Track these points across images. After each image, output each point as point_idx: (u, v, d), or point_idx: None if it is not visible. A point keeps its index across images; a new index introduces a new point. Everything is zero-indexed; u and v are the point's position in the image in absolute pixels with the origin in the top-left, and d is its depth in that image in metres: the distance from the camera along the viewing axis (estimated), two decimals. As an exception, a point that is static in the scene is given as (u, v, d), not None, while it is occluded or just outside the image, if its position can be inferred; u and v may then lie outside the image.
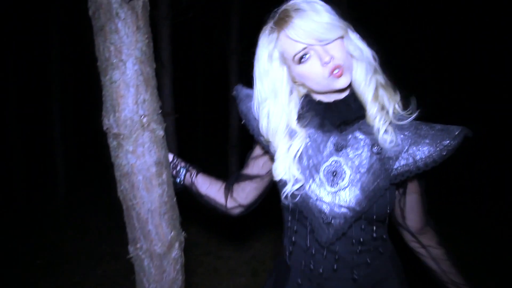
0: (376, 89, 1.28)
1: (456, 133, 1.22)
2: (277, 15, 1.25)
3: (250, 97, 1.46)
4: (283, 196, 1.37)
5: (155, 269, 1.46)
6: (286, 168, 1.32)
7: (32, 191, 7.69)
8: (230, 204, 1.60)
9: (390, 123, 1.27)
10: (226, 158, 5.81)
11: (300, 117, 1.37)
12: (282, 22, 1.22)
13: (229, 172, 5.79)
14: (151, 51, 1.35)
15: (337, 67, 1.21)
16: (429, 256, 1.46)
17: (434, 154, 1.22)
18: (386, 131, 1.26)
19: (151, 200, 1.39)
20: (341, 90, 1.30)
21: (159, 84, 3.98)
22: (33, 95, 8.60)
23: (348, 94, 1.33)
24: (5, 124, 7.51)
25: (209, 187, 1.59)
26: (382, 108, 1.29)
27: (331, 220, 1.26)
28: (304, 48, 1.21)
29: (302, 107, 1.38)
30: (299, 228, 1.39)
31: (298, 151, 1.32)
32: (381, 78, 1.30)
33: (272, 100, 1.32)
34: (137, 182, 1.36)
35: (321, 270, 1.33)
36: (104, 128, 1.35)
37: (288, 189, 1.32)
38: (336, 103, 1.33)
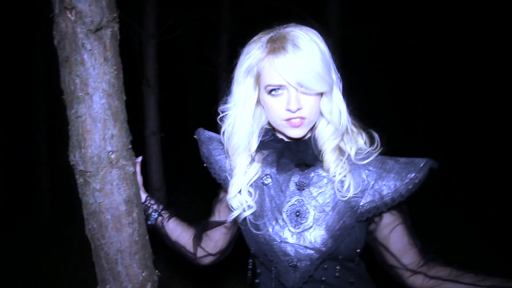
0: (338, 144, 1.24)
1: (421, 165, 1.16)
2: (275, 36, 1.16)
3: (211, 140, 1.44)
4: (239, 221, 1.33)
5: (125, 313, 1.37)
6: (239, 188, 1.28)
7: (17, 211, 7.53)
8: (200, 253, 1.53)
9: (349, 170, 1.21)
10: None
11: (259, 149, 1.32)
12: (275, 48, 1.13)
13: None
14: (121, 83, 1.28)
15: (299, 117, 1.16)
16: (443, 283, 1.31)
17: (400, 189, 1.17)
18: (343, 178, 1.20)
19: (120, 240, 1.31)
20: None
21: (144, 103, 3.92)
22: (19, 114, 8.48)
23: (308, 137, 1.27)
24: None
25: (180, 235, 1.52)
26: (342, 154, 1.23)
27: (297, 263, 1.20)
28: (280, 85, 1.15)
29: (263, 136, 1.33)
30: (263, 271, 1.33)
31: (251, 179, 1.28)
32: (348, 129, 1.24)
33: (240, 110, 1.26)
34: (105, 221, 1.28)
35: None
36: (71, 163, 1.28)
37: (243, 214, 1.28)
38: (295, 143, 1.28)
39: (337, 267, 1.23)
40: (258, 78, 1.21)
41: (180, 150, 9.96)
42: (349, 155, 1.24)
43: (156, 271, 1.44)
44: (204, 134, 1.46)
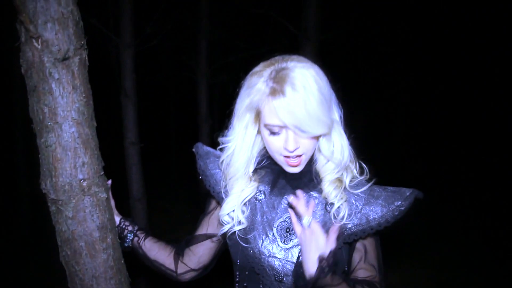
0: (338, 178, 1.27)
1: (407, 194, 1.23)
2: (276, 75, 1.14)
3: (208, 154, 1.47)
4: (227, 236, 1.36)
5: None
6: (233, 207, 1.30)
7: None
8: (181, 269, 1.52)
9: (345, 199, 1.26)
10: (196, 186, 5.68)
11: (256, 170, 1.35)
12: (275, 90, 1.13)
13: (199, 199, 5.61)
14: (91, 110, 1.27)
15: (296, 156, 1.19)
16: None
17: (386, 214, 1.22)
18: (341, 206, 1.24)
19: (95, 266, 1.30)
20: None
21: (123, 114, 3.89)
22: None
23: (304, 170, 1.28)
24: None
25: (158, 253, 1.52)
26: (339, 184, 1.27)
27: (283, 278, 1.23)
28: (280, 126, 1.16)
29: (261, 159, 1.36)
30: (249, 285, 1.35)
31: (246, 197, 1.31)
32: (346, 165, 1.27)
33: (240, 143, 1.28)
34: (79, 249, 1.28)
35: None
36: (43, 192, 1.27)
37: (233, 229, 1.31)
38: (292, 174, 1.30)
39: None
40: (258, 115, 1.21)
41: (162, 159, 9.88)
42: (345, 183, 1.28)
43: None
44: (202, 148, 1.50)
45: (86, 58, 1.26)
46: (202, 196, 6.01)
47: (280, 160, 1.23)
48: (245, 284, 1.36)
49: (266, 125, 1.18)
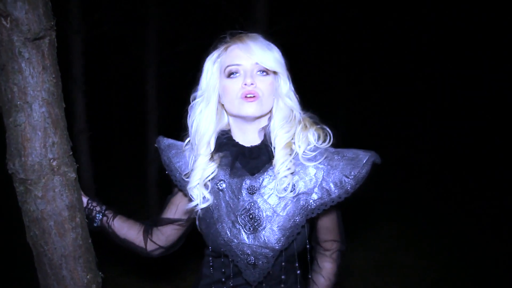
0: (289, 140, 1.33)
1: (364, 161, 1.28)
2: (235, 34, 1.35)
3: (170, 147, 1.50)
4: (198, 221, 1.42)
5: (71, 316, 1.39)
6: (198, 181, 1.37)
7: None
8: (150, 247, 1.57)
9: (292, 171, 1.31)
10: (144, 175, 5.64)
11: (216, 149, 1.40)
12: (236, 38, 1.32)
13: (147, 188, 5.60)
14: (60, 91, 1.28)
15: (252, 93, 1.26)
16: (318, 274, 1.49)
17: (346, 185, 1.28)
18: (285, 176, 1.30)
19: (64, 245, 1.32)
20: (254, 135, 1.35)
21: (71, 100, 3.80)
22: None
23: (262, 142, 1.37)
24: None
25: (128, 231, 1.55)
26: (291, 152, 1.33)
27: (255, 261, 1.30)
28: (238, 65, 1.27)
29: (220, 137, 1.41)
30: (226, 271, 1.40)
31: (208, 176, 1.37)
32: (301, 122, 1.36)
33: (205, 104, 1.36)
34: (48, 228, 1.29)
35: None
36: (9, 172, 1.27)
37: (200, 206, 1.37)
38: (249, 149, 1.37)
39: (296, 264, 1.36)
40: (221, 66, 1.34)
41: (112, 147, 9.65)
42: (297, 153, 1.33)
43: (100, 273, 1.47)
44: (164, 142, 1.53)
45: (55, 39, 1.27)
46: (148, 188, 5.98)
47: (239, 103, 1.29)
48: (223, 270, 1.41)
49: (226, 69, 1.30)
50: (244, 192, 1.33)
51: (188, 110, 1.40)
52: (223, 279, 1.41)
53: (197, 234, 1.50)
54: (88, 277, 1.40)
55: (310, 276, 1.49)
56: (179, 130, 1.49)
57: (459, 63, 10.02)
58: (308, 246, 1.35)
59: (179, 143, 1.50)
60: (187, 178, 1.42)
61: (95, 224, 1.51)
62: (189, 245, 1.64)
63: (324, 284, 1.47)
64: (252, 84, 1.26)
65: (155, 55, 5.56)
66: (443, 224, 6.05)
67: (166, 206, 1.58)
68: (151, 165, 5.25)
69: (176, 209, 1.54)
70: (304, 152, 1.33)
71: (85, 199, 1.50)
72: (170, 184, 1.59)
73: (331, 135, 1.35)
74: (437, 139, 10.77)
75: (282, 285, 1.37)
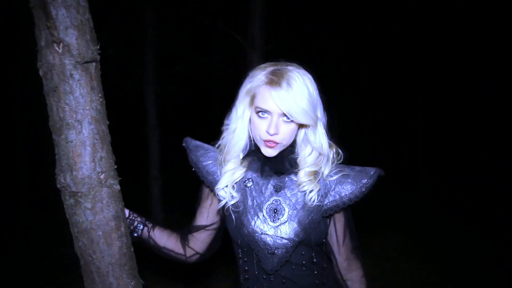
0: (315, 171, 1.50)
1: (372, 173, 1.50)
2: (276, 71, 1.38)
3: (198, 147, 1.65)
4: (226, 220, 1.56)
5: (118, 322, 1.46)
6: (227, 183, 1.51)
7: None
8: (189, 253, 1.69)
9: (319, 188, 1.48)
10: (147, 190, 5.70)
11: (244, 157, 1.55)
12: (272, 81, 1.36)
13: (151, 204, 5.65)
14: (105, 109, 1.38)
15: (272, 141, 1.39)
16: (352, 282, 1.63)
17: (355, 191, 1.48)
18: (311, 191, 1.47)
19: (111, 254, 1.41)
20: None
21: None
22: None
23: (284, 155, 1.51)
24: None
25: (167, 240, 1.67)
26: (313, 177, 1.49)
27: (275, 251, 1.46)
28: (267, 111, 1.37)
29: (249, 148, 1.56)
30: (249, 259, 1.55)
31: (236, 179, 1.53)
32: (327, 157, 1.50)
33: (240, 122, 1.48)
34: (97, 238, 1.38)
35: None
36: (59, 186, 1.36)
37: (229, 203, 1.51)
38: (273, 158, 1.50)
39: (312, 254, 1.51)
40: (253, 99, 1.43)
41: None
42: (322, 173, 1.50)
43: (141, 280, 1.55)
44: (192, 142, 1.66)
45: (99, 62, 1.38)
46: (152, 207, 6.05)
47: (260, 142, 1.44)
48: (246, 259, 1.55)
49: (256, 107, 1.40)
50: (270, 189, 1.50)
51: (222, 130, 1.54)
52: (246, 268, 1.55)
53: (226, 240, 1.62)
54: (132, 283, 1.48)
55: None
56: (180, 144, 1.68)
57: (455, 72, 10.26)
58: (324, 240, 1.53)
59: (205, 145, 1.65)
60: (216, 177, 1.57)
61: (135, 235, 1.61)
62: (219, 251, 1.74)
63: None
64: (276, 134, 1.39)
65: (154, 74, 5.68)
66: (442, 230, 6.20)
67: (197, 212, 1.70)
68: (155, 181, 5.33)
69: (207, 212, 1.67)
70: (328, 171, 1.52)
71: (127, 211, 1.59)
72: (194, 193, 1.71)
73: (341, 153, 1.54)
74: (433, 146, 10.99)
75: (303, 272, 1.51)
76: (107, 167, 1.37)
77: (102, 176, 1.36)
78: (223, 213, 1.56)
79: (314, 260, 1.52)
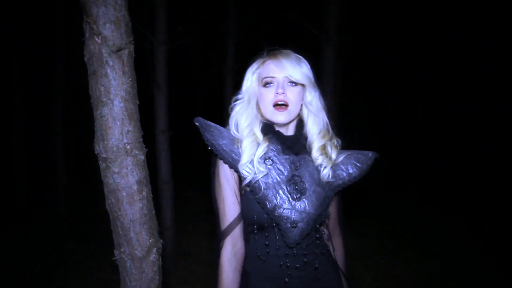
0: (324, 144, 1.67)
1: (370, 155, 1.71)
2: (274, 51, 1.65)
3: (211, 127, 1.72)
4: (247, 185, 1.64)
5: (136, 270, 1.74)
6: (250, 160, 1.61)
7: (35, 201, 8.00)
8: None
9: (331, 166, 1.66)
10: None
11: (263, 132, 1.69)
12: (273, 55, 1.62)
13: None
14: (135, 91, 1.65)
15: (282, 101, 1.55)
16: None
17: (358, 171, 1.67)
18: (325, 167, 1.65)
19: (133, 212, 1.68)
20: (287, 128, 1.64)
21: (155, 104, 4.31)
22: (38, 111, 8.98)
23: (297, 134, 1.69)
24: (10, 136, 7.89)
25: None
26: (324, 152, 1.66)
27: (297, 224, 1.58)
28: (272, 77, 1.57)
29: (264, 126, 1.71)
30: (269, 236, 1.66)
31: (261, 153, 1.63)
32: (330, 136, 1.70)
33: (246, 102, 1.67)
34: (121, 198, 1.66)
35: (297, 265, 1.63)
36: (96, 152, 1.65)
37: (256, 178, 1.61)
38: (289, 137, 1.66)
39: (323, 227, 1.72)
40: (259, 76, 1.64)
41: (189, 148, 10.42)
42: (331, 156, 1.68)
43: (161, 240, 1.81)
44: (204, 121, 1.72)
45: (133, 51, 1.64)
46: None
47: (272, 111, 1.60)
48: (266, 234, 1.66)
49: (262, 80, 1.59)
50: (290, 166, 1.63)
51: (229, 110, 1.70)
52: (267, 251, 1.66)
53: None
54: (150, 240, 1.75)
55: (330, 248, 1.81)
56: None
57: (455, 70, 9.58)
58: (329, 214, 1.71)
59: (218, 126, 1.72)
60: (235, 156, 1.64)
61: None
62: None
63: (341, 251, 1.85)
64: (283, 93, 1.56)
65: (233, 63, 6.00)
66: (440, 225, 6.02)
67: (224, 204, 1.69)
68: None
69: (235, 196, 1.69)
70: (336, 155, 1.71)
71: None
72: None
73: (339, 140, 1.74)
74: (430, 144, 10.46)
75: (318, 242, 1.68)
76: (133, 139, 1.64)
77: (128, 147, 1.62)
78: (240, 192, 1.68)
79: (323, 232, 1.71)
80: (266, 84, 1.60)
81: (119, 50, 1.56)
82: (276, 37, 6.06)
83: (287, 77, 1.57)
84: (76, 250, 5.51)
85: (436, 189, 8.64)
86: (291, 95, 1.60)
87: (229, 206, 1.68)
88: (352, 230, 5.71)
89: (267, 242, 1.66)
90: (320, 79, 5.53)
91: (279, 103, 1.58)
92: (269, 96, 1.60)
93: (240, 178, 1.68)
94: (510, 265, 4.71)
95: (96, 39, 1.54)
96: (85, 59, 1.59)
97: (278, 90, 1.57)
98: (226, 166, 1.70)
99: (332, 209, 1.77)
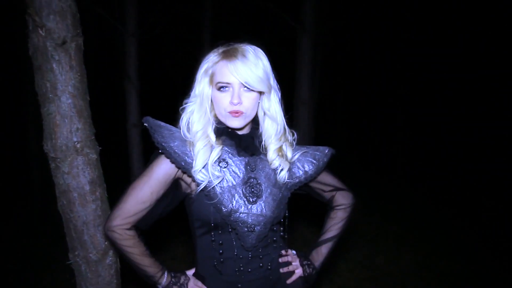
0: (280, 147, 1.58)
1: (326, 152, 1.67)
2: (229, 48, 1.46)
3: (162, 127, 1.57)
4: (204, 191, 1.51)
5: (91, 274, 1.67)
6: (204, 165, 1.49)
7: (10, 201, 7.84)
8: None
9: (288, 167, 1.58)
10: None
11: (217, 135, 1.57)
12: (228, 54, 1.43)
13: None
14: (84, 86, 1.56)
15: (238, 111, 1.46)
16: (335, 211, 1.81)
17: (314, 168, 1.64)
18: (282, 169, 1.57)
19: (85, 214, 1.60)
20: (241, 128, 1.56)
21: (126, 98, 4.18)
22: (9, 107, 8.76)
23: (251, 134, 1.58)
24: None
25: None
26: (281, 154, 1.58)
27: (254, 228, 1.53)
28: (228, 83, 1.46)
29: (217, 128, 1.57)
30: (225, 240, 1.57)
31: (215, 157, 1.51)
32: (287, 136, 1.60)
33: (198, 105, 1.53)
34: (73, 199, 1.58)
35: (249, 269, 1.58)
36: (45, 151, 1.56)
37: (212, 183, 1.50)
38: (244, 136, 1.58)
39: (281, 228, 1.64)
40: (212, 77, 1.51)
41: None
42: (286, 156, 1.60)
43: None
44: (154, 122, 1.57)
45: (82, 43, 1.55)
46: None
47: (226, 115, 1.48)
48: (220, 241, 1.58)
49: (217, 84, 1.47)
50: (245, 169, 1.55)
51: (180, 111, 1.59)
52: (221, 251, 1.60)
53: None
54: (106, 243, 1.67)
55: (328, 216, 1.83)
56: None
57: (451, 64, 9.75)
58: (287, 214, 1.62)
59: (168, 126, 1.57)
60: (188, 159, 1.52)
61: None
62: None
63: (342, 215, 1.81)
64: (238, 103, 1.46)
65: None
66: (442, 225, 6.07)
67: (135, 195, 1.50)
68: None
69: (150, 198, 1.50)
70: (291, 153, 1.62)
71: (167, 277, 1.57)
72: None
73: (295, 134, 1.63)
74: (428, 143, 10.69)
75: (275, 245, 1.62)
76: (83, 137, 1.55)
77: (78, 145, 1.54)
78: (188, 196, 1.57)
79: (281, 233, 1.64)
80: (220, 88, 1.48)
81: (64, 42, 1.47)
82: (253, 27, 5.98)
83: (243, 83, 1.45)
84: (50, 248, 5.39)
85: (424, 184, 8.62)
86: (247, 101, 1.48)
87: (137, 201, 1.50)
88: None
89: (222, 245, 1.59)
90: (297, 69, 5.52)
91: (234, 112, 1.47)
92: (224, 101, 1.48)
93: (187, 181, 1.57)
94: (497, 256, 4.74)
95: (40, 32, 1.44)
96: (30, 52, 1.50)
97: (233, 100, 1.44)
98: (169, 166, 1.55)
99: (321, 188, 1.77)
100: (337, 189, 1.80)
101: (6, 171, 8.60)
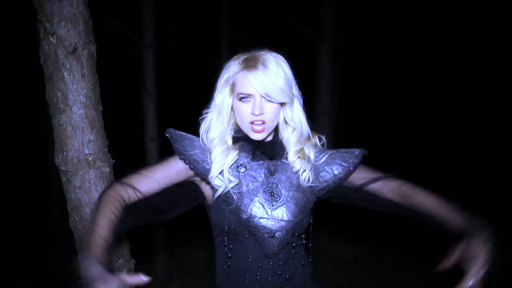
0: (301, 149, 1.51)
1: (357, 153, 1.55)
2: (250, 57, 1.41)
3: (182, 137, 1.58)
4: (218, 195, 1.47)
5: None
6: (221, 170, 1.46)
7: (28, 214, 7.88)
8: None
9: (310, 168, 1.49)
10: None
11: (235, 141, 1.54)
12: (249, 65, 1.38)
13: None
14: (97, 96, 1.48)
15: (260, 120, 1.39)
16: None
17: (343, 171, 1.52)
18: (304, 171, 1.48)
19: (98, 231, 1.51)
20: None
21: (143, 110, 4.13)
22: (28, 118, 8.85)
23: (273, 140, 1.51)
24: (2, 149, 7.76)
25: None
26: (302, 155, 1.50)
27: (275, 234, 1.46)
28: (249, 94, 1.39)
29: (236, 132, 1.55)
30: (235, 247, 1.51)
31: (231, 162, 1.48)
32: (310, 141, 1.52)
33: (216, 114, 1.50)
34: (85, 215, 1.49)
35: (269, 278, 1.50)
36: (56, 164, 1.49)
37: (227, 187, 1.46)
38: (262, 142, 1.50)
39: (303, 235, 1.53)
40: (233, 87, 1.45)
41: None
42: (309, 157, 1.51)
43: (132, 260, 1.64)
44: (176, 132, 1.60)
45: (94, 51, 1.48)
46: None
47: (248, 127, 1.43)
48: (231, 246, 1.53)
49: (238, 95, 1.40)
50: (264, 173, 1.49)
51: (200, 121, 1.53)
52: (230, 255, 1.52)
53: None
54: (120, 261, 1.58)
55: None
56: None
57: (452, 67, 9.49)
58: (311, 220, 1.53)
59: (189, 135, 1.59)
60: (206, 166, 1.51)
61: None
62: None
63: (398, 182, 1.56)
64: (260, 114, 1.39)
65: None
66: None
67: (151, 173, 1.49)
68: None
69: (162, 184, 1.50)
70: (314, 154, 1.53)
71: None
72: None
73: (323, 137, 1.57)
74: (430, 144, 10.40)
75: (293, 251, 1.52)
76: (96, 150, 1.47)
77: (90, 158, 1.46)
78: (207, 204, 1.54)
79: (304, 241, 1.54)
80: (242, 98, 1.42)
81: (75, 50, 1.40)
82: (272, 38, 5.91)
83: (263, 96, 1.38)
84: (68, 260, 5.35)
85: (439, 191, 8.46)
86: (269, 111, 1.42)
87: (148, 175, 1.48)
88: (352, 238, 5.51)
89: (230, 255, 1.53)
90: (316, 80, 5.42)
91: (256, 122, 1.41)
92: (246, 111, 1.42)
93: (206, 189, 1.56)
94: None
95: (51, 39, 1.38)
96: (41, 61, 1.43)
97: (255, 111, 1.39)
98: (186, 167, 1.54)
99: (364, 182, 1.57)
100: (377, 179, 1.58)
101: (25, 184, 8.67)
